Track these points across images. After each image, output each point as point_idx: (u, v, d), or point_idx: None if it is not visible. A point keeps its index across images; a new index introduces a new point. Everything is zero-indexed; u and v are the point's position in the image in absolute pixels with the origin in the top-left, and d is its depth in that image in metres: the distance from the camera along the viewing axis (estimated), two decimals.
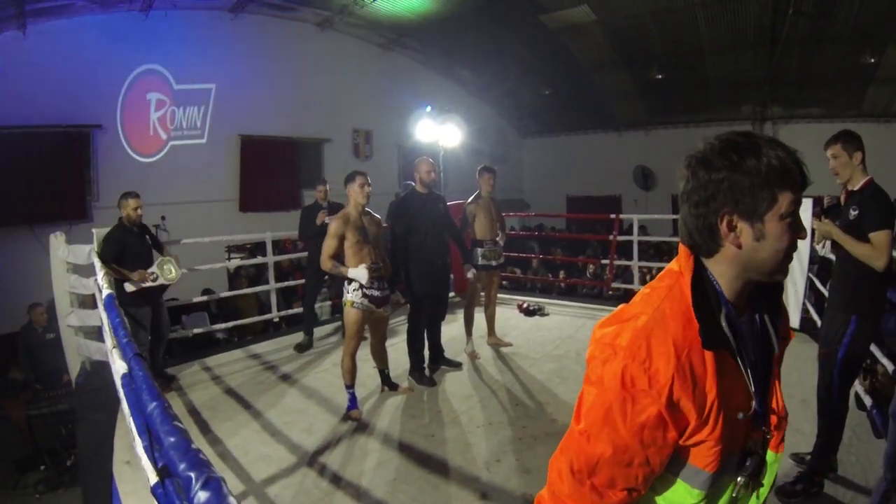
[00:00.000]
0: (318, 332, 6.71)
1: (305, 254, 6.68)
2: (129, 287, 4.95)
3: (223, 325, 6.99)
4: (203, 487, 1.12)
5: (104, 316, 3.71)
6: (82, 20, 9.26)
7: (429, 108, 7.69)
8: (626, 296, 9.52)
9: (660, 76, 13.03)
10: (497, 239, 5.71)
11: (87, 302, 5.75)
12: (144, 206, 5.20)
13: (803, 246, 5.79)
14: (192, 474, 1.16)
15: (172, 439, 1.36)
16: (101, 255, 4.87)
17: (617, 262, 7.90)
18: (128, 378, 2.43)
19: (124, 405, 2.64)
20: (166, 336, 5.47)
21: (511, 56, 13.78)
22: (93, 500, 3.74)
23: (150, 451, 1.90)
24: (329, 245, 4.24)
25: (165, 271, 5.06)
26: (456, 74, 15.48)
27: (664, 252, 12.61)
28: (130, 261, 4.96)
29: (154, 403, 1.54)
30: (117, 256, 4.89)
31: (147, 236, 5.28)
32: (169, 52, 10.37)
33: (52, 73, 8.90)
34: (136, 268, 4.94)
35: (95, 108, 9.67)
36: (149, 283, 4.97)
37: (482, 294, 5.92)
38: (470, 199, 5.72)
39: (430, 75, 14.94)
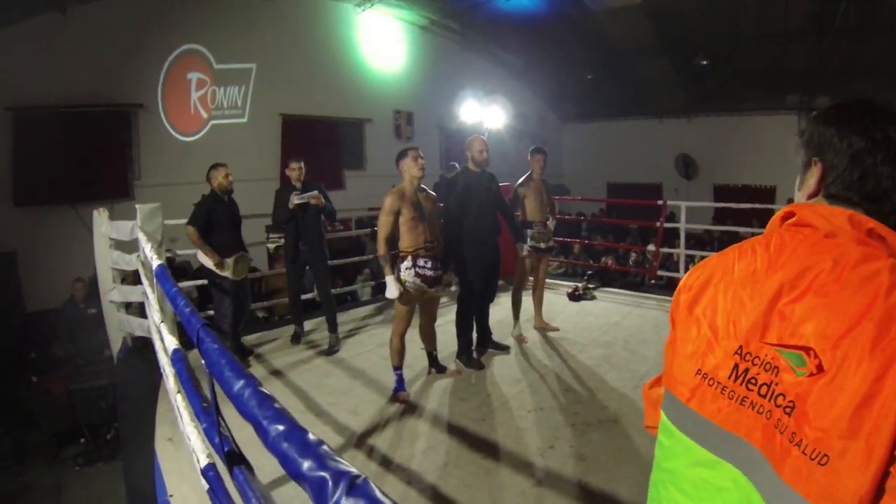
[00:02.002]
0: (362, 311, 6.66)
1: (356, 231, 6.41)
2: (202, 259, 4.99)
3: (264, 304, 6.92)
4: (349, 494, 0.81)
5: (149, 290, 3.65)
6: (124, 1, 9.29)
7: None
8: (670, 284, 9.29)
9: (703, 63, 12.68)
10: (547, 222, 5.57)
11: (129, 278, 5.75)
12: (185, 184, 5.15)
13: None
14: (326, 475, 0.85)
15: (281, 427, 1.05)
16: (189, 220, 4.92)
17: (662, 251, 7.64)
18: (181, 353, 2.34)
19: (170, 381, 2.57)
20: (248, 308, 5.43)
21: (553, 39, 13.53)
22: (133, 475, 3.68)
23: (212, 433, 1.77)
24: (385, 222, 4.08)
25: (237, 269, 5.00)
26: (497, 57, 15.28)
27: (706, 242, 12.33)
28: (219, 230, 4.98)
29: (242, 382, 1.29)
30: (205, 223, 4.91)
31: (236, 209, 5.25)
32: (209, 32, 10.38)
33: (94, 53, 8.93)
34: (221, 237, 4.96)
35: (137, 87, 9.72)
36: (217, 270, 4.94)
37: (530, 277, 5.76)
38: (520, 181, 5.58)
39: (470, 57, 14.78)
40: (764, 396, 0.84)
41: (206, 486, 1.81)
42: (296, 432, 1.02)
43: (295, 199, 5.31)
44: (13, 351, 7.71)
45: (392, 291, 4.05)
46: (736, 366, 0.89)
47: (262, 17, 10.91)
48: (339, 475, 0.84)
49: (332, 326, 5.49)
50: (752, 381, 0.86)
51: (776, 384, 0.83)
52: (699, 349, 0.95)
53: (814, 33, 10.54)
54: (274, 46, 11.12)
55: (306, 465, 0.92)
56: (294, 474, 0.95)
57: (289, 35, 11.29)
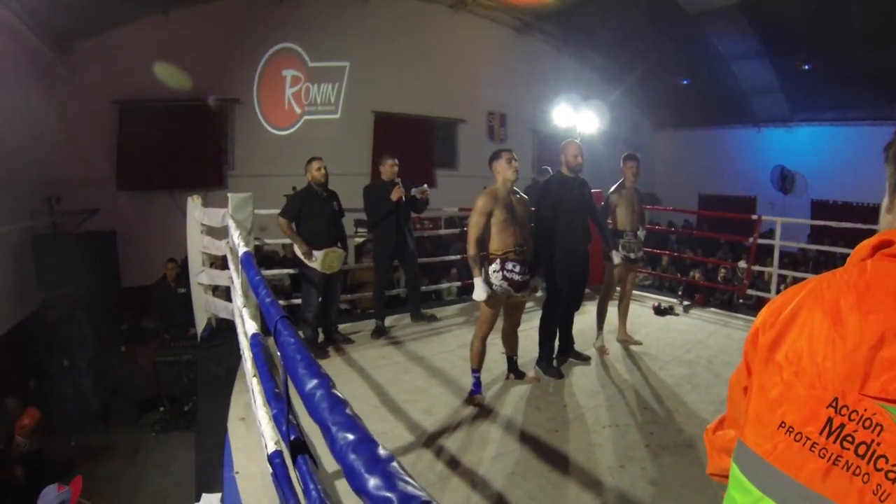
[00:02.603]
0: (448, 311, 6.67)
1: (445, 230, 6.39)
2: (296, 251, 5.13)
3: (348, 297, 7.07)
4: None
5: (235, 276, 3.77)
6: (223, 4, 9.84)
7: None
8: (759, 304, 8.86)
9: (806, 67, 11.98)
10: (637, 232, 5.41)
11: (218, 262, 5.97)
12: (277, 176, 5.29)
13: None
14: (392, 497, 0.79)
15: (351, 437, 1.00)
16: (281, 210, 5.10)
17: (754, 268, 7.28)
18: (259, 337, 2.39)
19: (248, 364, 2.63)
20: (336, 299, 5.55)
21: (647, 43, 13.18)
22: (204, 447, 3.81)
23: (281, 420, 1.79)
24: (476, 223, 4.03)
25: (326, 262, 5.10)
26: (591, 61, 15.03)
27: (800, 262, 11.69)
28: (310, 222, 5.10)
29: (315, 381, 1.26)
30: (296, 214, 5.06)
31: (335, 203, 5.36)
32: (305, 31, 10.77)
33: (193, 51, 9.45)
34: (315, 229, 5.09)
35: (233, 83, 10.17)
36: (305, 261, 5.07)
37: (617, 287, 5.61)
38: (613, 188, 5.45)
39: (564, 60, 14.61)
40: (862, 457, 0.73)
41: (271, 471, 1.83)
42: (366, 444, 0.97)
43: (399, 193, 5.45)
44: (109, 322, 8.21)
45: (480, 293, 4.01)
46: (830, 420, 0.77)
47: (356, 17, 11.20)
48: (406, 499, 0.79)
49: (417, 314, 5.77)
50: (849, 438, 0.75)
51: (877, 444, 0.72)
52: (783, 398, 0.83)
53: None
54: (368, 46, 11.35)
55: (372, 482, 0.85)
56: (358, 489, 0.88)
57: (382, 35, 11.49)
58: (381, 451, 0.93)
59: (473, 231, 4.04)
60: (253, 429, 3.13)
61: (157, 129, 9.33)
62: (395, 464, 0.89)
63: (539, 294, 4.95)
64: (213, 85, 9.84)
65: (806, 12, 10.53)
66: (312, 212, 5.10)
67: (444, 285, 7.75)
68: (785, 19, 11.02)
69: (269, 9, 10.29)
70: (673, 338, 5.86)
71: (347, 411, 1.10)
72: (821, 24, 10.76)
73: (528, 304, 5.63)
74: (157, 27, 9.31)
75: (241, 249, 3.05)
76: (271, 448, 1.89)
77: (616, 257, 5.15)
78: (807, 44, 11.45)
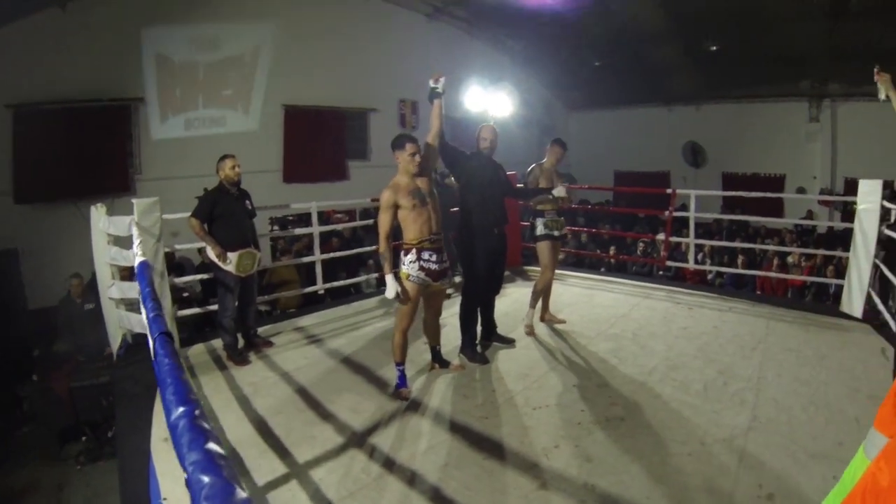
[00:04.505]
0: (366, 304, 6.58)
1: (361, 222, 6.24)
2: (209, 253, 4.94)
3: (266, 297, 6.84)
4: None
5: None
6: None
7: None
8: (678, 274, 9.16)
9: (714, 48, 12.49)
10: (558, 194, 5.23)
11: (128, 274, 5.68)
12: (188, 177, 5.08)
13: (870, 228, 5.43)
14: None
15: (206, 480, 0.91)
16: (193, 212, 4.86)
17: (672, 240, 7.50)
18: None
19: None
20: (253, 301, 5.34)
21: (560, 26, 13.37)
22: (129, 475, 3.60)
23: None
24: (383, 220, 3.95)
25: (240, 264, 4.93)
26: (503, 45, 15.17)
27: (714, 232, 12.18)
28: (223, 223, 4.90)
29: (180, 410, 1.17)
30: (208, 215, 4.84)
31: (247, 202, 5.16)
32: (211, 20, 10.40)
33: (93, 48, 8.97)
34: (228, 229, 4.90)
35: (137, 81, 9.68)
36: (220, 263, 4.88)
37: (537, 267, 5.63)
38: (533, 166, 5.45)
39: (477, 45, 14.74)
40: None
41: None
42: (221, 489, 0.87)
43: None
44: (16, 348, 7.68)
45: (390, 292, 3.94)
46: None
47: (263, 6, 10.82)
48: None
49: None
50: None
51: None
52: None
53: (828, 16, 10.30)
54: (276, 36, 11.05)
55: None
56: None
57: (291, 24, 11.21)
58: (239, 496, 0.84)
59: (381, 227, 3.97)
60: None
61: (56, 133, 8.72)
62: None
63: (458, 279, 4.91)
64: (115, 83, 9.34)
65: None
66: (225, 212, 4.91)
67: (363, 277, 7.66)
68: (694, 3, 11.40)
69: None
70: (597, 314, 5.95)
71: (208, 446, 1.00)
72: (728, 8, 11.21)
73: (450, 291, 5.61)
74: (54, 22, 8.67)
75: (137, 260, 2.87)
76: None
77: (559, 192, 5.12)
78: (714, 26, 11.90)
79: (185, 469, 0.98)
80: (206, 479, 0.91)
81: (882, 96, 3.44)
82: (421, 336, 4.61)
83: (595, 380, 4.28)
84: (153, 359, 1.53)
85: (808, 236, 12.27)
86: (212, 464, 0.95)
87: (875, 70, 3.38)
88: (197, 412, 1.15)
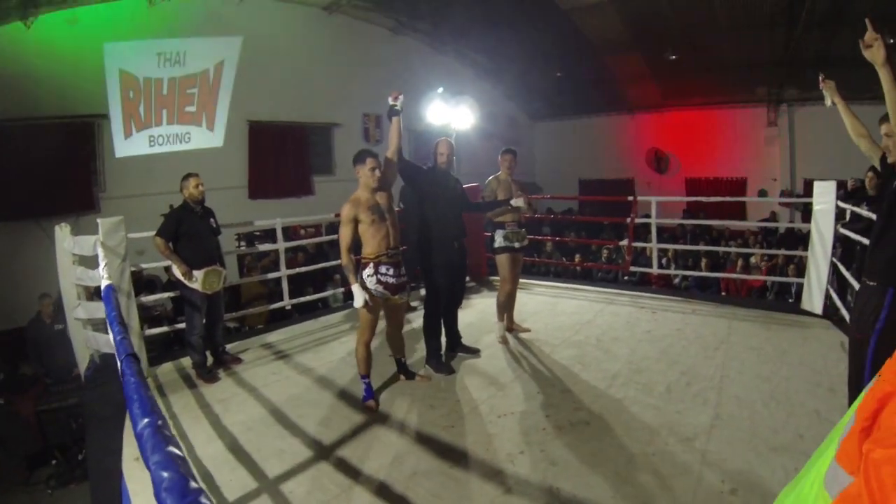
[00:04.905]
0: (333, 318, 6.61)
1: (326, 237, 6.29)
2: (175, 272, 4.96)
3: (233, 314, 6.85)
4: None
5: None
6: (84, 10, 9.15)
7: (441, 90, 7.53)
8: (642, 279, 9.35)
9: (673, 57, 12.80)
10: (517, 205, 5.20)
11: (95, 294, 5.65)
12: (153, 195, 5.09)
13: (826, 228, 5.63)
14: None
15: (165, 475, 1.11)
16: (157, 231, 4.88)
17: (635, 245, 7.67)
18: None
19: None
20: (220, 318, 5.36)
21: (522, 38, 13.62)
22: (101, 497, 3.61)
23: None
24: (344, 234, 4.02)
25: (206, 282, 4.96)
26: (467, 58, 15.34)
27: (679, 236, 12.44)
28: (188, 241, 4.93)
29: (144, 420, 1.35)
30: (173, 234, 4.86)
31: (212, 220, 5.19)
32: (175, 35, 10.27)
33: (55, 63, 8.83)
34: (194, 248, 4.93)
35: (99, 97, 9.58)
36: (185, 281, 4.91)
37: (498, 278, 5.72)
38: (490, 178, 5.53)
39: (440, 59, 14.85)
40: None
41: None
42: (177, 482, 1.08)
43: None
44: None
45: (358, 300, 4.01)
46: None
47: (226, 21, 10.80)
48: None
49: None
50: None
51: None
52: None
53: (783, 25, 10.67)
54: (240, 51, 11.03)
55: None
56: None
57: (255, 39, 11.19)
58: (192, 486, 1.02)
59: (342, 241, 4.04)
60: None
61: (17, 151, 8.56)
62: (203, 498, 1.00)
63: (423, 293, 5.00)
64: (78, 99, 9.23)
65: (673, 7, 11.24)
66: (190, 230, 4.94)
67: (329, 292, 7.70)
68: (653, 14, 11.70)
69: (136, 12, 9.73)
70: (561, 321, 6.05)
71: (168, 449, 1.17)
72: (687, 18, 11.54)
73: (415, 303, 5.67)
74: (15, 36, 8.54)
75: (104, 282, 2.91)
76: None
77: (519, 202, 5.12)
78: (674, 35, 12.21)
79: (148, 468, 1.16)
80: (165, 474, 1.10)
81: (829, 103, 3.54)
82: (387, 349, 4.67)
83: (559, 386, 4.37)
84: (121, 378, 1.64)
85: (773, 236, 12.60)
86: (171, 463, 1.14)
87: (820, 78, 3.47)
88: (160, 422, 1.34)
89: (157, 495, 1.06)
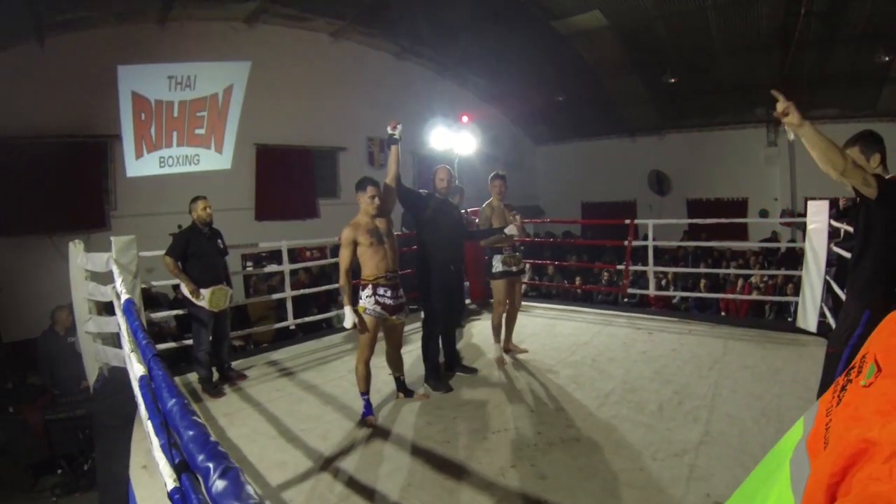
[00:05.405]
0: (336, 338, 6.76)
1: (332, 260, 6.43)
2: (183, 290, 5.14)
3: (239, 332, 7.00)
4: (221, 477, 1.16)
5: (122, 322, 3.76)
6: (98, 33, 9.42)
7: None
8: (641, 301, 9.47)
9: (672, 80, 12.98)
10: (510, 233, 5.36)
11: (106, 309, 5.83)
12: (162, 214, 5.26)
13: (819, 246, 5.74)
14: (211, 465, 1.20)
15: (191, 433, 1.40)
16: (167, 250, 5.05)
17: (633, 268, 7.81)
18: (146, 379, 2.46)
19: (142, 408, 2.67)
20: (226, 336, 5.53)
21: (524, 63, 13.84)
22: (110, 503, 3.75)
23: (167, 449, 1.90)
24: (343, 256, 4.20)
25: (213, 300, 5.13)
26: (470, 82, 15.54)
27: (679, 258, 12.52)
28: (196, 261, 5.11)
29: (173, 400, 1.57)
30: (182, 254, 5.04)
31: (219, 241, 5.38)
32: (184, 61, 10.47)
33: (70, 84, 9.07)
34: (201, 268, 5.12)
35: (112, 118, 9.81)
36: (193, 299, 5.07)
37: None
38: (483, 206, 5.68)
39: (444, 84, 15.04)
40: None
41: None
42: (200, 435, 1.37)
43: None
44: None
45: (347, 321, 4.19)
46: None
47: (237, 46, 11.05)
48: (219, 464, 1.21)
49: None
50: None
51: None
52: None
53: (779, 46, 10.88)
54: (249, 76, 11.26)
55: (200, 457, 1.26)
56: (193, 465, 1.31)
57: (263, 65, 11.42)
58: (211, 439, 1.33)
59: (342, 262, 4.21)
60: (157, 475, 3.13)
61: (31, 168, 8.84)
62: (219, 447, 1.29)
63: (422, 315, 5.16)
64: (91, 119, 9.48)
65: (670, 31, 11.46)
66: (198, 251, 5.13)
67: (333, 313, 7.85)
68: (652, 38, 11.91)
69: (148, 35, 10.02)
70: (558, 342, 6.19)
71: (194, 418, 1.45)
72: (684, 42, 11.76)
73: (411, 325, 5.81)
74: (31, 57, 8.82)
75: (124, 297, 3.08)
76: (170, 486, 1.97)
77: (510, 230, 5.26)
78: (672, 59, 12.42)
79: (177, 432, 1.47)
80: (191, 432, 1.43)
81: (791, 137, 3.19)
82: (387, 368, 4.81)
83: (553, 404, 4.50)
84: (149, 375, 1.85)
85: (774, 256, 12.66)
86: (195, 424, 1.46)
87: (778, 107, 2.94)
88: (185, 401, 1.60)
89: (184, 447, 1.34)
